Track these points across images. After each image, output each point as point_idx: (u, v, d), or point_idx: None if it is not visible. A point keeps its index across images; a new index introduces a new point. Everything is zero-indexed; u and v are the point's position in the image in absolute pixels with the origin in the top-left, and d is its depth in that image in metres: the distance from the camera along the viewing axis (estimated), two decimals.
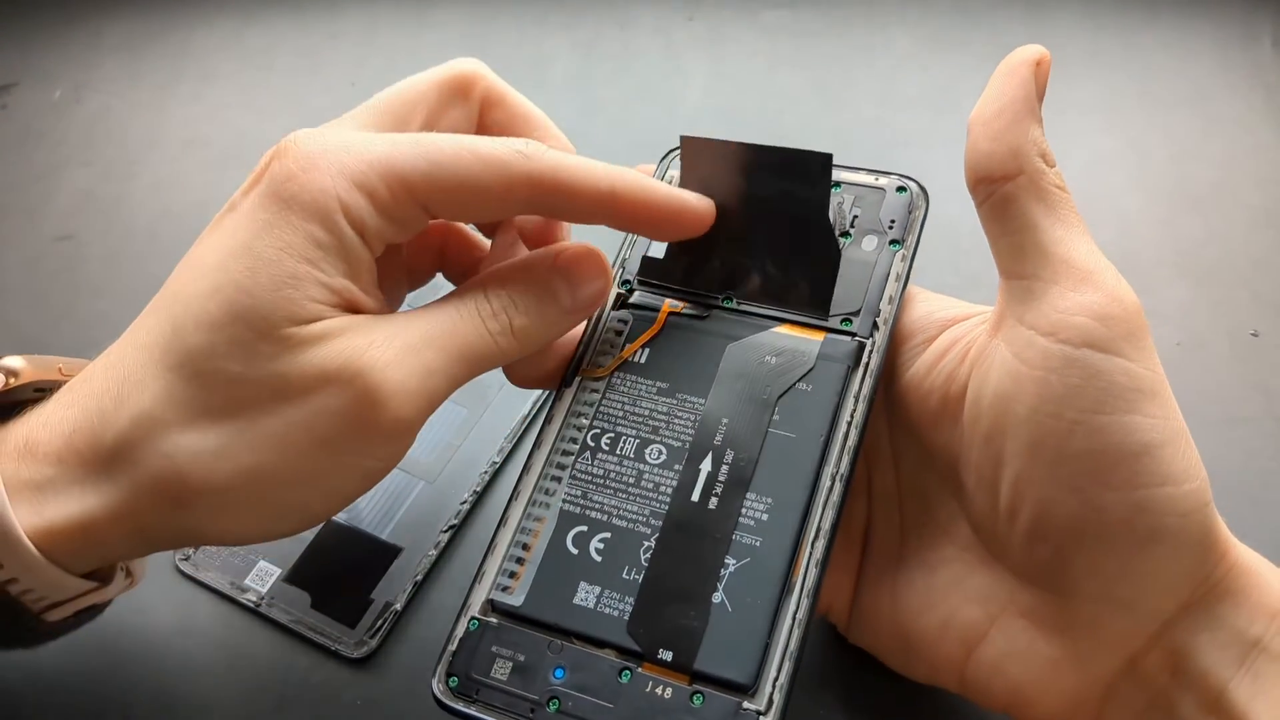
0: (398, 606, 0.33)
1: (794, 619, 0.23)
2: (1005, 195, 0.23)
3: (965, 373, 0.25)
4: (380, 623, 0.33)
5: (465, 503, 0.36)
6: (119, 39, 0.58)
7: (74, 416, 0.24)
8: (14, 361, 0.27)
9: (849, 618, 0.28)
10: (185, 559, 0.35)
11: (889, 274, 0.27)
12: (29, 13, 0.60)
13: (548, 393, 0.38)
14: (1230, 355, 0.38)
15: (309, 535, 0.35)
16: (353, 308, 0.24)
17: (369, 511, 0.36)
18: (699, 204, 0.27)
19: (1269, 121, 0.46)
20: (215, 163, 0.50)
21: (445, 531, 0.35)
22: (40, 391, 0.27)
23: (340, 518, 0.35)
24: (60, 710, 0.32)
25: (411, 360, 0.23)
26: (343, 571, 0.34)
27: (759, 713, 0.22)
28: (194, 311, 0.23)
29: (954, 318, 0.27)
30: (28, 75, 0.56)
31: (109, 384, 0.24)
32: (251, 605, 0.34)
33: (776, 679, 0.22)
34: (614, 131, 0.49)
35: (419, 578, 0.34)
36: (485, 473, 0.37)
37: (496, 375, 0.39)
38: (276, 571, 0.34)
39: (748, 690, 0.22)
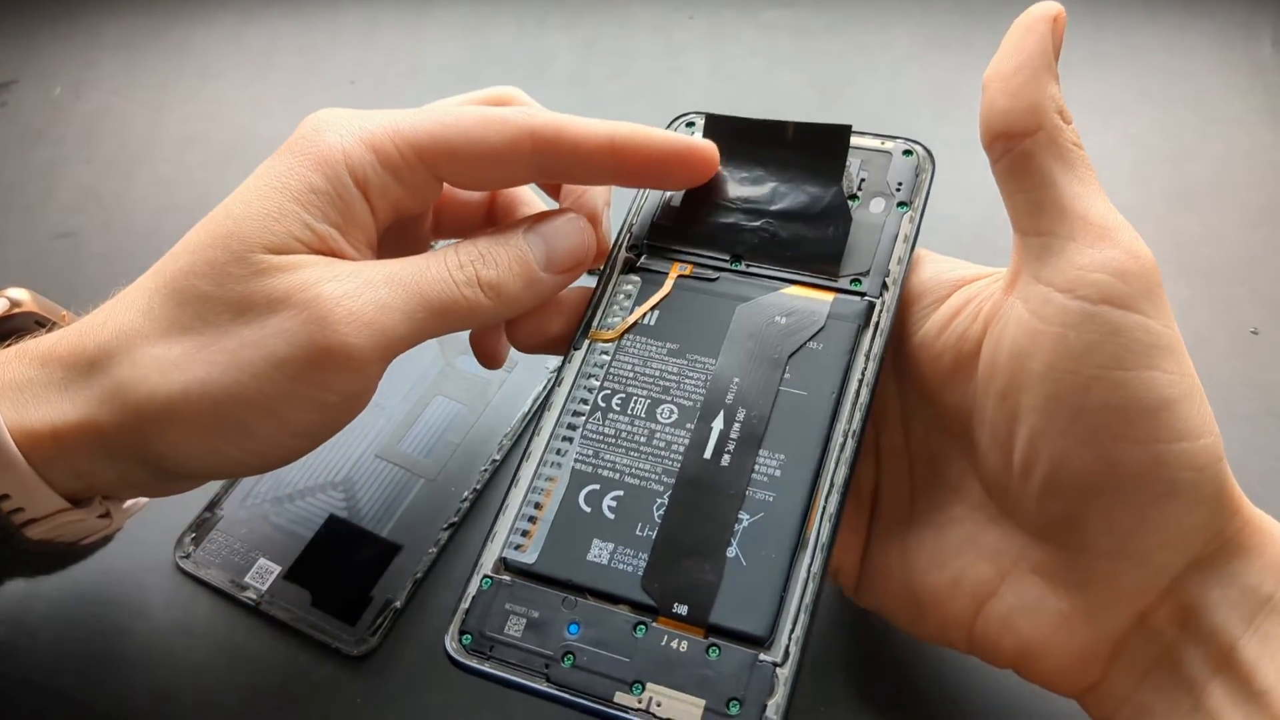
0: (398, 604, 0.33)
1: (809, 572, 0.23)
2: (1023, 152, 0.23)
3: (978, 331, 0.25)
4: (380, 620, 0.33)
5: (465, 500, 0.36)
6: (118, 36, 0.58)
7: (66, 330, 0.25)
8: (18, 293, 0.28)
9: (857, 579, 0.28)
10: (186, 557, 0.35)
11: (897, 235, 0.27)
12: (28, 10, 0.59)
13: (548, 386, 0.38)
14: (1230, 353, 0.38)
15: (309, 533, 0.35)
16: (333, 255, 0.25)
17: (369, 509, 0.36)
18: (703, 146, 0.27)
19: (1268, 120, 0.46)
20: (215, 160, 0.50)
21: (445, 529, 0.35)
22: (40, 325, 0.28)
23: (341, 515, 0.35)
24: (60, 708, 0.32)
25: (368, 293, 0.24)
26: (343, 569, 0.34)
27: (775, 664, 0.21)
28: (187, 239, 0.25)
29: (965, 278, 0.26)
30: (27, 72, 0.56)
31: (105, 306, 0.26)
32: (251, 603, 0.34)
33: (793, 631, 0.22)
34: None
35: (419, 575, 0.34)
36: (485, 470, 0.37)
37: (497, 373, 0.39)
38: (277, 569, 0.34)
39: (764, 643, 0.22)
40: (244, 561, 0.35)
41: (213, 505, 0.36)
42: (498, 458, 0.37)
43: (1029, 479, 0.24)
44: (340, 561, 0.34)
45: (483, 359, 0.34)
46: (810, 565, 0.23)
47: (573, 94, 0.51)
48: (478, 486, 0.36)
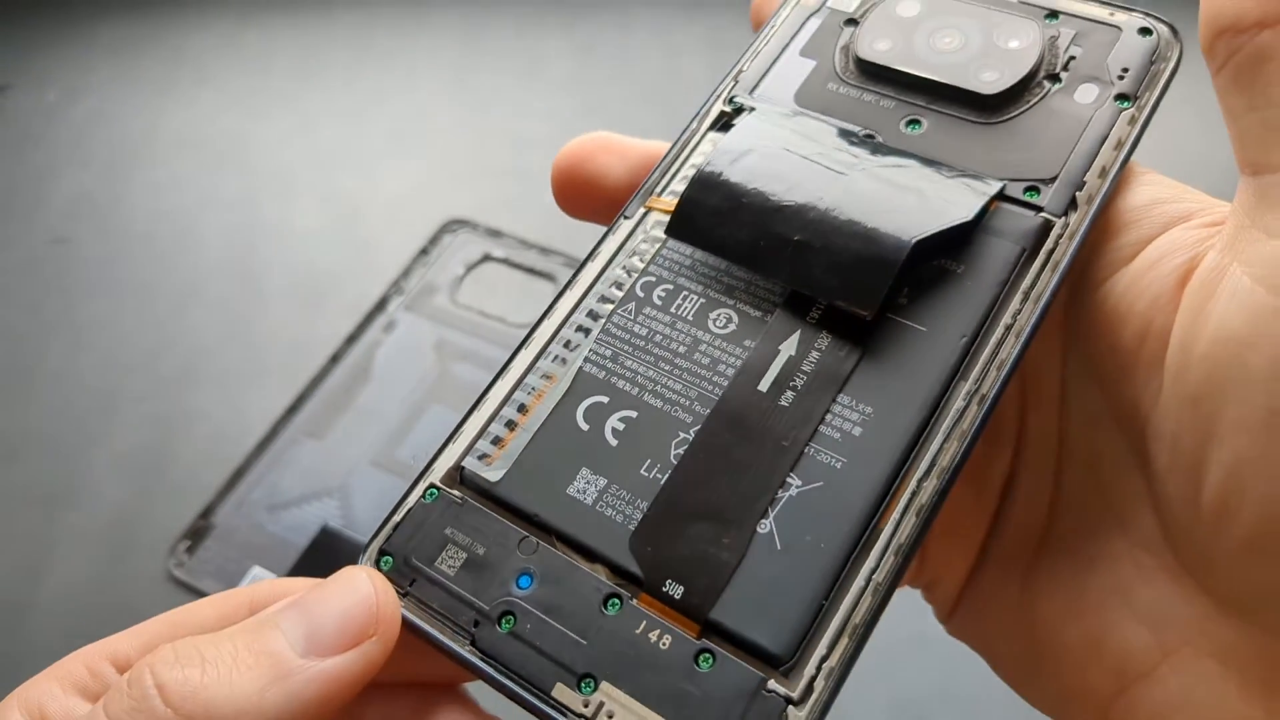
0: None
1: (870, 580, 0.16)
2: (1258, 51, 0.16)
3: (1171, 296, 0.17)
4: None
5: None
6: (113, 41, 0.57)
7: None
8: None
9: (956, 601, 0.21)
10: (179, 565, 0.34)
11: (1107, 137, 0.19)
12: (23, 14, 0.59)
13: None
14: None
15: (304, 541, 0.35)
16: None
17: (364, 517, 0.35)
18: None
19: None
20: (211, 165, 0.50)
21: None
22: None
23: (336, 525, 0.35)
24: None
25: None
26: None
27: (790, 700, 0.15)
28: None
29: (1189, 212, 0.18)
30: (21, 77, 0.56)
31: None
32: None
33: (825, 659, 0.15)
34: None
35: None
36: None
37: None
38: (271, 578, 0.34)
39: (780, 664, 0.15)
40: (238, 569, 0.34)
41: (206, 513, 0.36)
42: None
43: (1226, 527, 0.16)
44: (334, 570, 0.34)
45: None
46: (874, 572, 0.16)
47: (571, 96, 0.51)
48: None
